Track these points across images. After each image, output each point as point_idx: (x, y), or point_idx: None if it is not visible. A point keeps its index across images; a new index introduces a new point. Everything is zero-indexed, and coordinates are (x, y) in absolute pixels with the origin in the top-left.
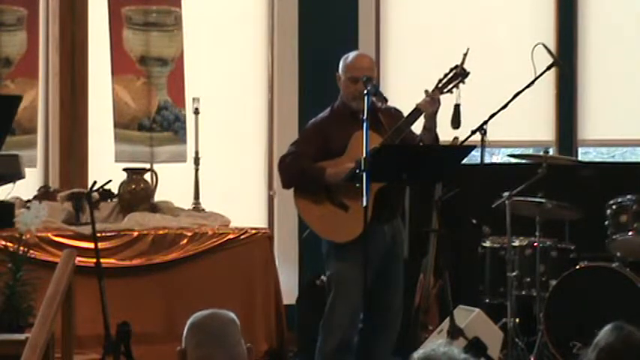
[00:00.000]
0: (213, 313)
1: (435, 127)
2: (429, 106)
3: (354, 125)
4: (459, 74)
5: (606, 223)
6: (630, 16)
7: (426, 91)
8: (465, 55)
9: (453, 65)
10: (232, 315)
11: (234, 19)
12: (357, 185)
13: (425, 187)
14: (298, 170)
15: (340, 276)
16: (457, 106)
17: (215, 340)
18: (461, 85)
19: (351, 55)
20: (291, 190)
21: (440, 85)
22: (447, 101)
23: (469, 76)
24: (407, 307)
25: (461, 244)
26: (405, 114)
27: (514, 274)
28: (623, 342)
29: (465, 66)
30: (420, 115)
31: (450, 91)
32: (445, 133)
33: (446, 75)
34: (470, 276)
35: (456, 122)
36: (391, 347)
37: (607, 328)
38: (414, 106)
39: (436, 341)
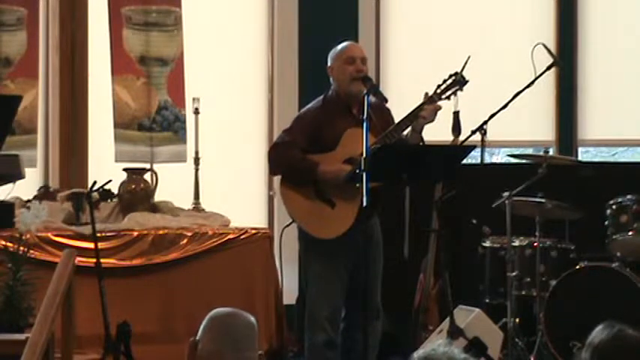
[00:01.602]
0: (235, 312)
1: (422, 129)
2: (431, 116)
3: (346, 119)
4: (457, 81)
5: (606, 223)
6: (630, 16)
7: (426, 94)
8: (466, 62)
9: (452, 72)
10: (252, 319)
11: (234, 19)
12: (357, 185)
13: (425, 187)
14: (290, 160)
15: (321, 274)
16: (456, 114)
17: (229, 339)
18: (459, 92)
19: (341, 44)
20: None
21: (438, 91)
22: (445, 107)
23: (468, 82)
24: (407, 307)
25: (461, 244)
26: (402, 114)
27: (514, 274)
28: (614, 339)
29: (465, 73)
30: (418, 119)
31: (447, 97)
32: (445, 134)
33: (445, 81)
34: (470, 276)
35: (456, 130)
36: (378, 338)
37: (599, 327)
38: (412, 110)
39: (436, 341)
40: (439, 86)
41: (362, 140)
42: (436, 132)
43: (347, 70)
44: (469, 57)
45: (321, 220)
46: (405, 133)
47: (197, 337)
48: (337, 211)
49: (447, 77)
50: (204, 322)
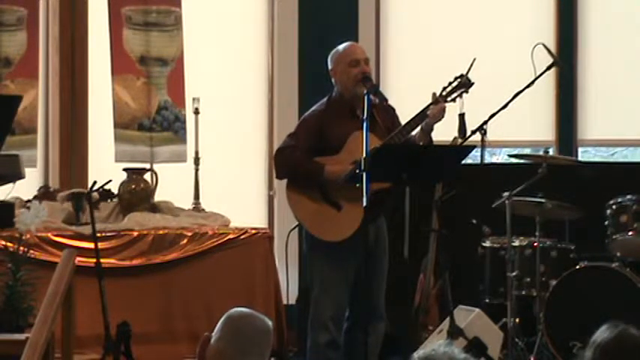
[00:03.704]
0: (250, 315)
1: (432, 130)
2: (439, 115)
3: (351, 121)
4: (463, 84)
5: (606, 223)
6: (630, 17)
7: (434, 94)
8: (472, 65)
9: (457, 74)
10: (268, 324)
11: (234, 19)
12: (357, 185)
13: (425, 187)
14: (296, 164)
15: (326, 274)
16: (462, 116)
17: (237, 340)
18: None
19: (341, 46)
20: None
21: (444, 93)
22: (450, 109)
23: (474, 84)
24: (407, 307)
25: (461, 244)
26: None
27: (514, 274)
28: (617, 339)
29: (470, 75)
30: (426, 119)
31: (453, 100)
32: (445, 134)
33: (450, 83)
34: (470, 276)
35: (462, 132)
36: (381, 339)
37: (603, 327)
38: (420, 110)
39: (436, 341)
40: (444, 88)
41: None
42: (436, 132)
43: (352, 73)
44: (475, 59)
45: (327, 223)
46: (414, 133)
47: (213, 333)
48: (344, 214)
49: (452, 79)
50: (220, 320)
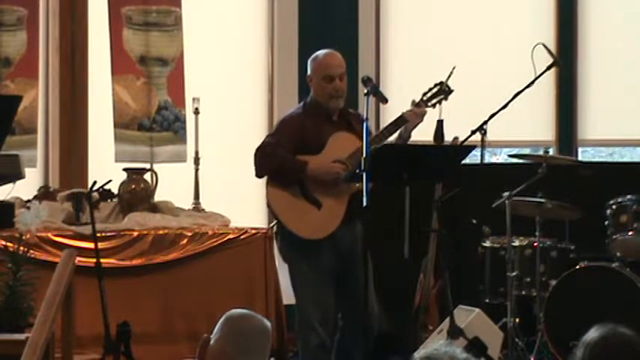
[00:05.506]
0: (249, 315)
1: (409, 137)
2: (414, 118)
3: (328, 125)
4: (442, 90)
5: (606, 223)
6: (630, 16)
7: (413, 101)
8: (451, 72)
9: (437, 81)
10: (267, 324)
11: (234, 19)
12: (357, 185)
13: (425, 187)
14: (278, 160)
15: (306, 276)
16: (440, 122)
17: (238, 340)
18: (444, 101)
19: (320, 54)
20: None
21: (424, 98)
22: (431, 114)
23: (453, 92)
24: (407, 307)
25: (461, 244)
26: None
27: (514, 274)
28: (606, 337)
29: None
30: (404, 124)
31: (433, 106)
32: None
33: (430, 89)
34: (470, 276)
35: (438, 138)
36: (372, 340)
37: (594, 327)
38: (399, 115)
39: (437, 341)
40: (425, 94)
41: (347, 144)
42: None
43: (325, 89)
44: (454, 67)
45: (308, 220)
46: (391, 139)
47: (212, 335)
48: (324, 212)
49: (432, 86)
50: (220, 320)
